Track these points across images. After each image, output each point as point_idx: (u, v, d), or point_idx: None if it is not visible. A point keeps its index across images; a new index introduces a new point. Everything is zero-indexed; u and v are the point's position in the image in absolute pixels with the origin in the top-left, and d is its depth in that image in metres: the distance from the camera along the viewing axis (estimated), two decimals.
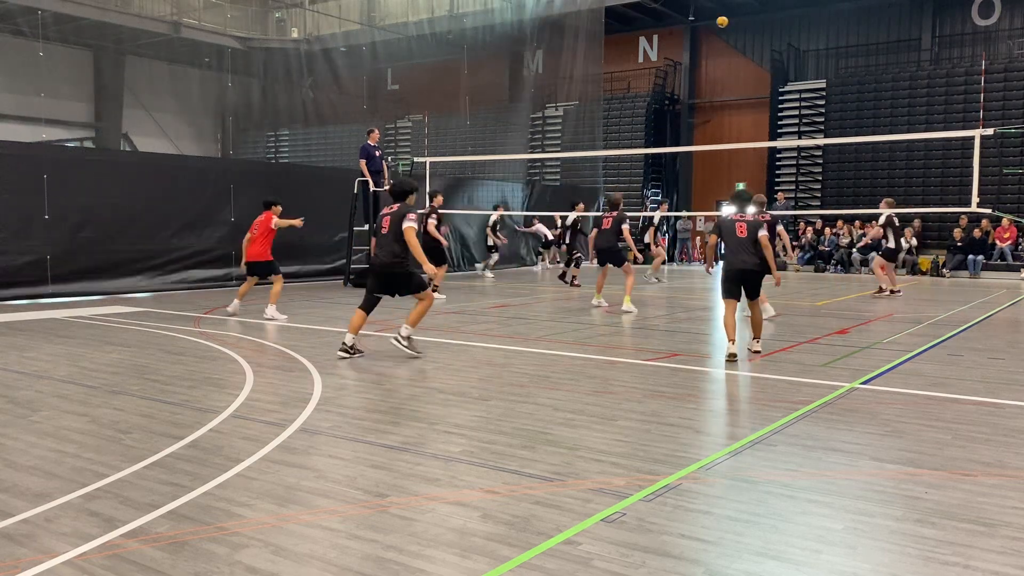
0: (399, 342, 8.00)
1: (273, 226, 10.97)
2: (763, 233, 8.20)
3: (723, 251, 8.55)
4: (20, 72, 23.66)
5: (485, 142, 28.59)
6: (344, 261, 16.94)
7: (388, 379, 6.91)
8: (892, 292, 14.76)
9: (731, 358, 7.82)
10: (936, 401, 6.20)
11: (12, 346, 8.49)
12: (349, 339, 7.95)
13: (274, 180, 17.15)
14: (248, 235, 11.11)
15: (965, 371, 7.46)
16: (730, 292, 8.25)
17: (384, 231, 8.01)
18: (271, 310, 10.87)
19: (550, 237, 21.45)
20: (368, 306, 8.12)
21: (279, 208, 11.13)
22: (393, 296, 8.26)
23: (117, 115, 29.16)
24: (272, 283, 11.11)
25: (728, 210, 8.77)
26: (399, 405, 5.95)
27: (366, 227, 16.16)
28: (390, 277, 8.00)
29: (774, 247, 11.82)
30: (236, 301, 11.24)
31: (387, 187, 15.92)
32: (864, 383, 6.83)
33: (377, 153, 15.99)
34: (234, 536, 3.47)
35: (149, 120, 29.79)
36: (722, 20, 16.31)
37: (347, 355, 7.89)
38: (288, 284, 16.15)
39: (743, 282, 8.22)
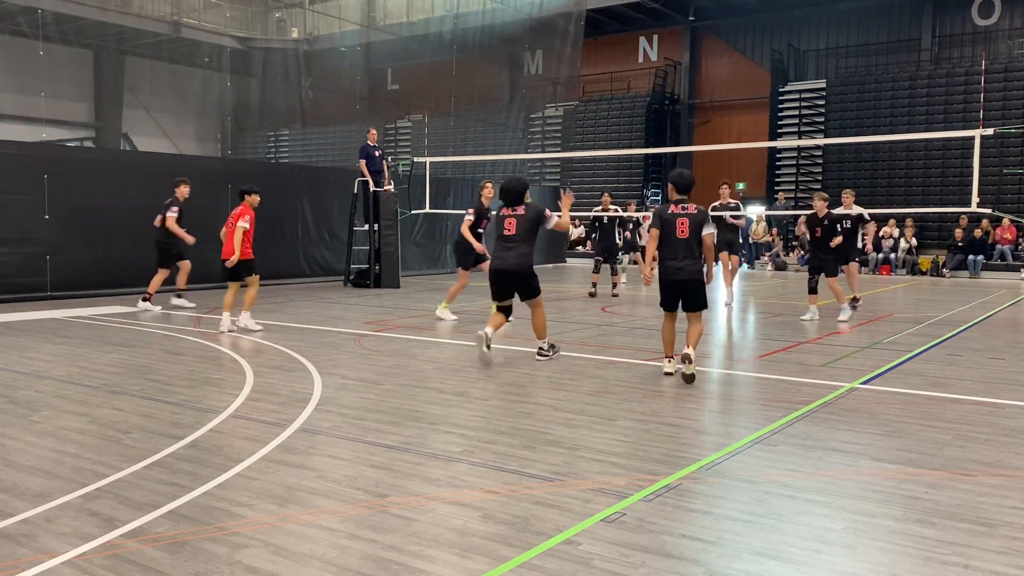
0: (543, 355, 7.77)
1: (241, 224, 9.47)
2: (708, 231, 6.88)
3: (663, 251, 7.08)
4: (20, 72, 23.66)
5: (485, 142, 28.61)
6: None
7: (388, 379, 6.91)
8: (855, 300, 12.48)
9: (669, 376, 6.99)
10: (936, 401, 6.20)
11: (12, 346, 8.49)
12: (489, 330, 7.56)
13: (273, 180, 17.15)
14: (224, 229, 9.81)
15: (965, 371, 7.46)
16: (669, 303, 7.03)
17: (510, 232, 7.68)
18: (245, 317, 9.58)
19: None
20: (508, 312, 7.95)
21: (255, 198, 9.70)
22: (512, 297, 7.89)
23: (117, 115, 29.18)
24: (247, 285, 9.74)
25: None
26: (399, 405, 5.95)
27: (365, 227, 16.18)
28: (517, 277, 7.70)
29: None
30: (225, 315, 9.61)
31: (387, 187, 16.02)
32: (864, 383, 6.83)
33: (377, 153, 15.99)
34: (234, 536, 3.47)
35: (149, 120, 29.80)
36: None
37: (488, 350, 7.53)
38: (287, 284, 16.20)
39: (680, 293, 6.93)
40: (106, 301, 12.97)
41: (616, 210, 14.93)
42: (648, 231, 7.15)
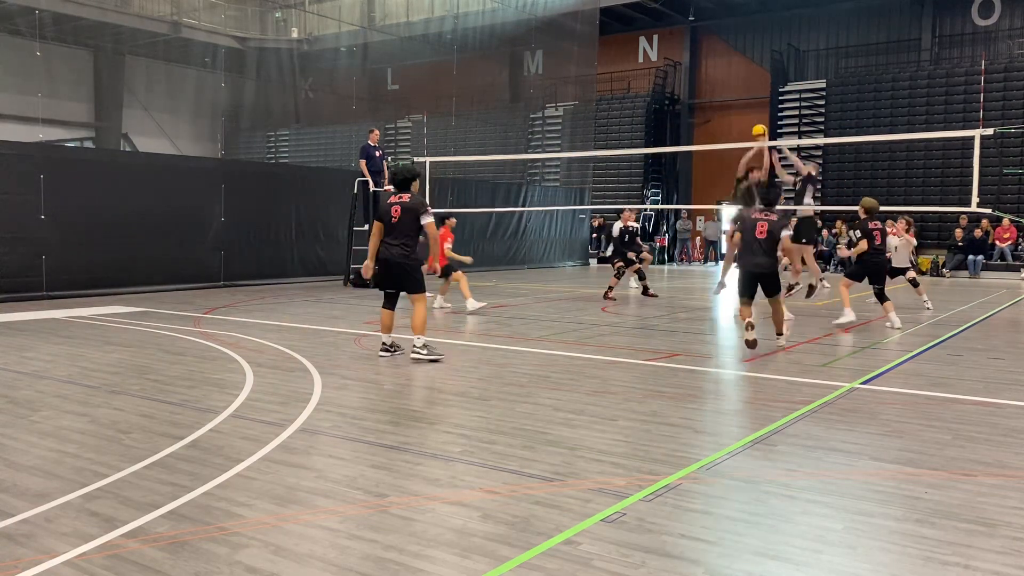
0: (417, 352, 7.66)
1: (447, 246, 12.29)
2: (787, 233, 8.30)
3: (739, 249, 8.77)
4: (19, 72, 23.64)
5: (486, 142, 28.60)
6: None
7: (388, 379, 6.91)
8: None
9: (750, 344, 8.07)
10: (936, 401, 6.20)
11: (12, 346, 8.49)
12: (388, 339, 7.95)
13: (272, 180, 17.15)
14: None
15: (965, 371, 7.46)
16: (746, 290, 8.44)
17: (395, 221, 7.62)
18: (472, 303, 11.86)
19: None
20: (391, 303, 7.95)
21: (453, 220, 12.84)
22: (399, 292, 7.91)
23: (117, 115, 29.14)
24: (456, 281, 12.13)
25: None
26: (399, 405, 5.95)
27: (365, 227, 16.17)
28: (400, 269, 7.68)
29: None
30: (439, 298, 12.35)
31: (387, 187, 16.00)
32: (864, 383, 6.83)
33: (377, 153, 16.00)
34: (234, 536, 3.47)
35: (149, 120, 29.78)
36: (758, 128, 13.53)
37: (387, 353, 7.90)
38: (285, 285, 16.21)
39: (759, 282, 8.41)
40: (105, 301, 12.96)
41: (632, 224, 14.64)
42: (730, 235, 9.10)
